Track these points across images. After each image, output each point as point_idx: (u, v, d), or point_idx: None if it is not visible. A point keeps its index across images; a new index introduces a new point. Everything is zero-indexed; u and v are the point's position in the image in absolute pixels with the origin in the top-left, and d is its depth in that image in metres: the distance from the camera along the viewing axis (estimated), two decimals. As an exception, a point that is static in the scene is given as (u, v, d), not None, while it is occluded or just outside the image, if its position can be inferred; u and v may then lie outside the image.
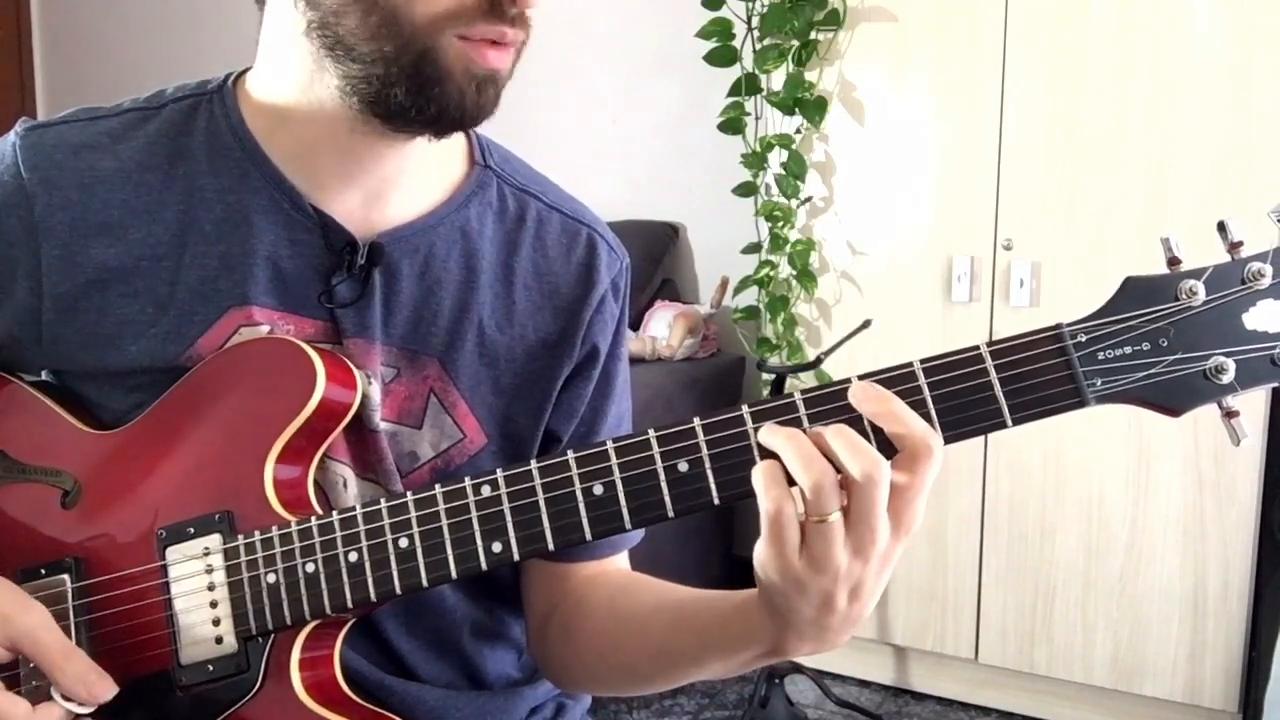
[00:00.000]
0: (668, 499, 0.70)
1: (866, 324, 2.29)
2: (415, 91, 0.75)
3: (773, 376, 2.34)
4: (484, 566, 0.73)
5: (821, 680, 2.48)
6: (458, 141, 0.91)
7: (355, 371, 0.82)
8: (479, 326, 0.87)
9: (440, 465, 0.87)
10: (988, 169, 2.32)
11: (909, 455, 0.65)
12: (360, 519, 0.75)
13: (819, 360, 2.31)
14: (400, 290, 0.85)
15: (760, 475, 0.66)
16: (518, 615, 0.97)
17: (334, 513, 0.76)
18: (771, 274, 2.57)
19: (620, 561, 0.96)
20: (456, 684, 0.91)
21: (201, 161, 0.83)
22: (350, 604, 0.75)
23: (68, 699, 0.73)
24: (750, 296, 2.70)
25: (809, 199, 2.52)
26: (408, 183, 0.85)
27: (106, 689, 0.74)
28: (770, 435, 0.67)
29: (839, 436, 0.64)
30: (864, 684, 2.62)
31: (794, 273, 2.53)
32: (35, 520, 0.82)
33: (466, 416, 0.87)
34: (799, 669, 2.41)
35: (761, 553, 0.67)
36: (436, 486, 0.74)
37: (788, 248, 2.53)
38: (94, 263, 0.81)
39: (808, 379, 2.51)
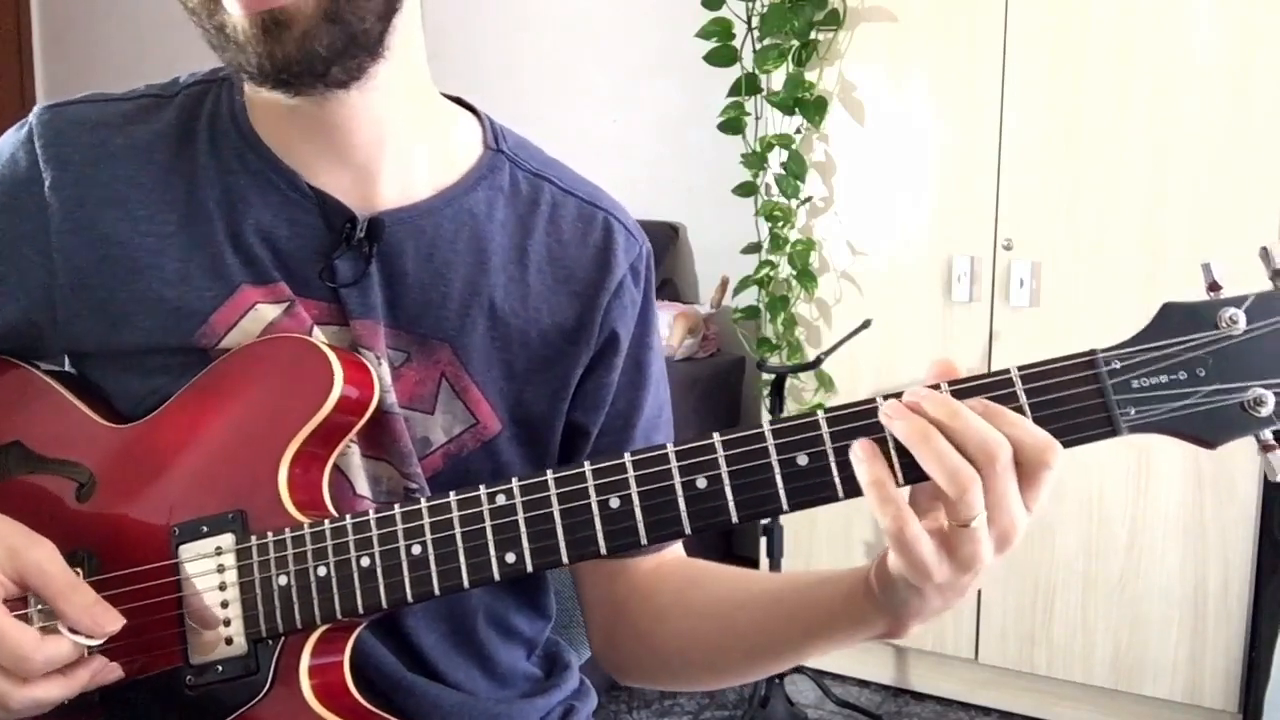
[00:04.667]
0: (685, 515, 0.69)
1: (866, 324, 2.29)
2: (218, 48, 0.74)
3: (773, 376, 2.34)
4: (497, 577, 0.72)
5: (821, 680, 2.48)
6: (469, 126, 0.90)
7: (373, 373, 0.81)
8: (491, 309, 0.86)
9: (454, 450, 0.86)
10: (988, 169, 2.32)
11: (1034, 461, 0.63)
12: (373, 524, 0.74)
13: (819, 360, 2.31)
14: (406, 273, 0.84)
15: (872, 492, 0.63)
16: (526, 609, 0.96)
17: (347, 516, 0.76)
18: (771, 274, 2.57)
19: (677, 550, 0.94)
20: (472, 676, 0.90)
21: (204, 144, 0.84)
22: (361, 609, 0.75)
23: (75, 632, 0.73)
24: (750, 296, 2.70)
25: (809, 199, 2.52)
26: (400, 160, 0.84)
27: (112, 620, 0.74)
28: (902, 428, 0.63)
29: (956, 421, 0.62)
30: (864, 684, 2.62)
31: (794, 273, 2.53)
32: (50, 512, 0.82)
33: (480, 402, 0.86)
34: (799, 669, 2.40)
35: (897, 565, 0.65)
36: (451, 494, 0.73)
37: (788, 248, 2.53)
38: (103, 236, 0.81)
39: (808, 379, 2.52)
